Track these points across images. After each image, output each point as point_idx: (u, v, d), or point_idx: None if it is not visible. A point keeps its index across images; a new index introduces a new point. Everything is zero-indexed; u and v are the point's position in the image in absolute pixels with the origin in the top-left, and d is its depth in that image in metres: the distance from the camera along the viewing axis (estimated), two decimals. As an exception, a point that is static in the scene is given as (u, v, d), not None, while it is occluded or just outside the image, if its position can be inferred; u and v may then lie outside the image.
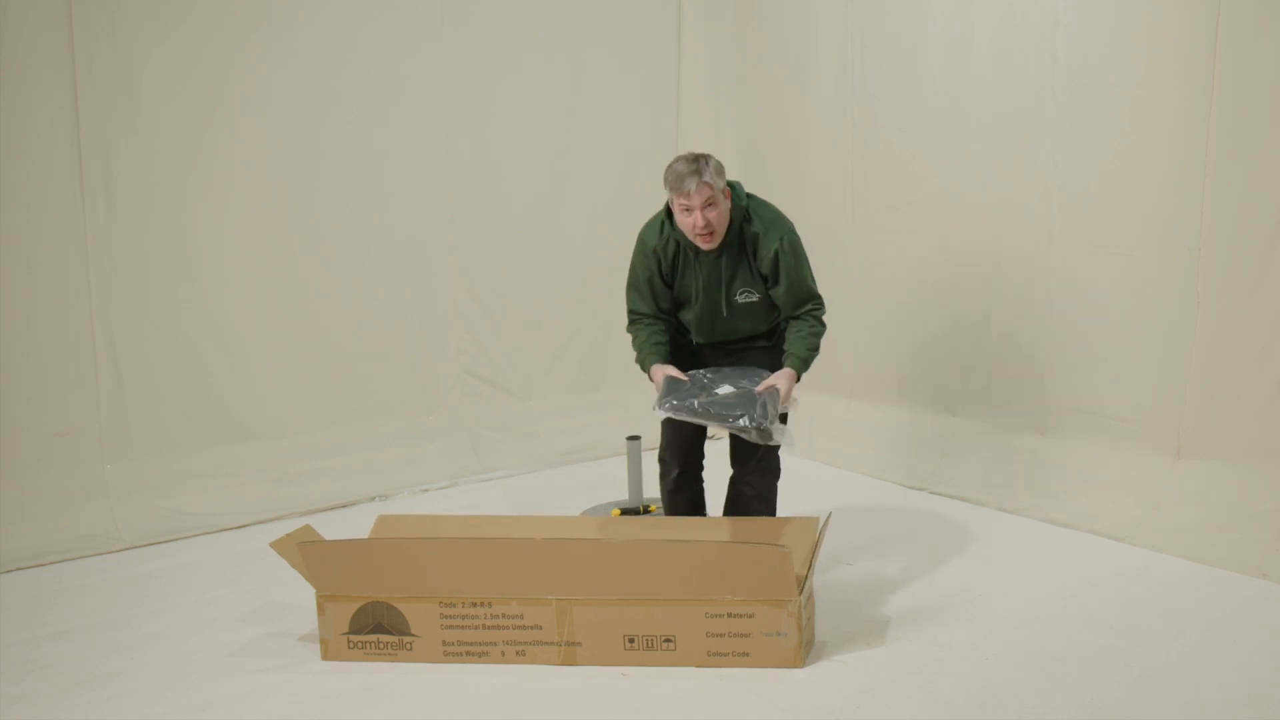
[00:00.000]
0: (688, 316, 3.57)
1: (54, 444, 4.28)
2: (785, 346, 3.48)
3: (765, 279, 3.48)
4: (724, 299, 3.49)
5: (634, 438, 4.30)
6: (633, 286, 3.60)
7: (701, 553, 3.01)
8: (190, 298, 4.56)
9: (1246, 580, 3.52)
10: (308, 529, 3.32)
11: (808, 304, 3.51)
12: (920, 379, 4.94)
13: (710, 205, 3.33)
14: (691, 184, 3.30)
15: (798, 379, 3.41)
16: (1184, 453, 3.98)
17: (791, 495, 4.61)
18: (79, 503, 4.27)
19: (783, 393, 3.35)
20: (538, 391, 5.43)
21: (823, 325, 3.53)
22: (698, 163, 3.34)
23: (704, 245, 3.40)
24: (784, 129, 5.49)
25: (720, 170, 3.39)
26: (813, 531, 3.23)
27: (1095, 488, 4.16)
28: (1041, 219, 4.34)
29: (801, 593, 2.98)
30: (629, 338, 3.62)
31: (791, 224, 3.57)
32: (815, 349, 3.48)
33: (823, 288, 5.34)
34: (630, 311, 3.61)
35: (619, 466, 4.58)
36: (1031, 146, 4.33)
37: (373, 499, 4.80)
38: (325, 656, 3.14)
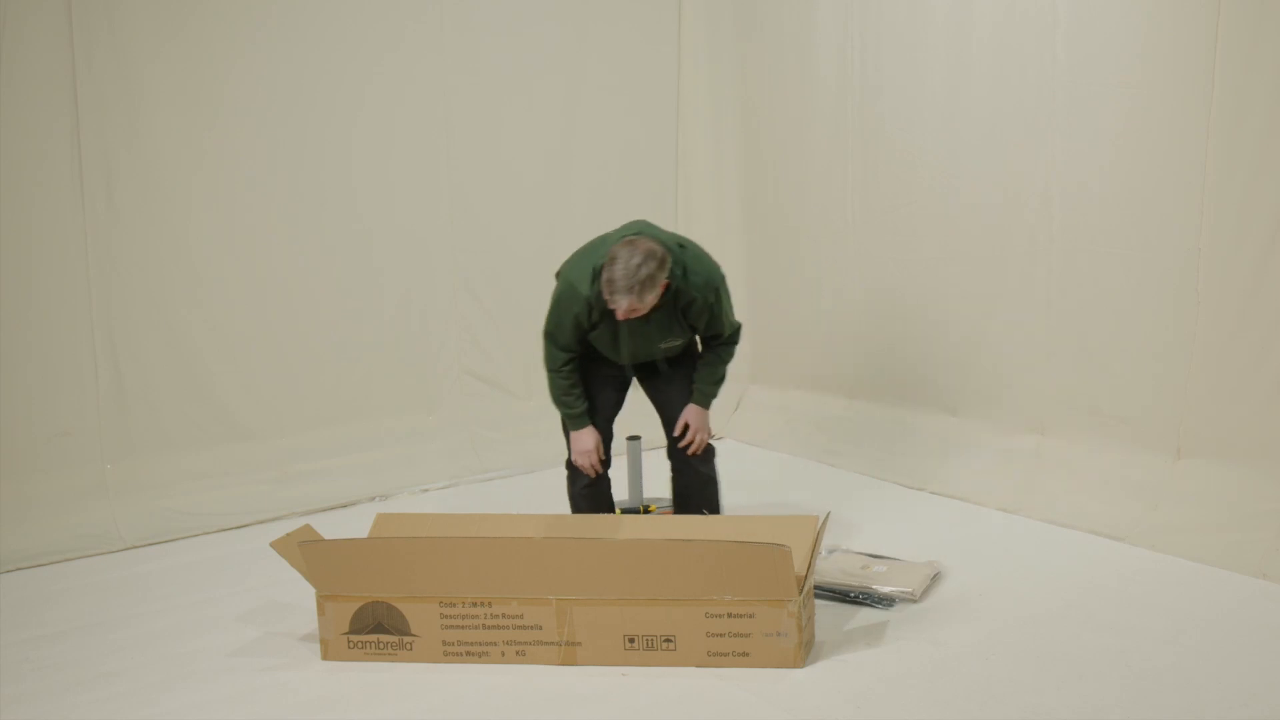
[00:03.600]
0: (605, 349, 3.64)
1: (54, 444, 4.28)
2: (695, 379, 3.70)
3: (693, 327, 3.62)
4: (651, 347, 3.61)
5: (634, 438, 4.29)
6: (561, 317, 3.57)
7: (701, 552, 3.01)
8: (190, 298, 4.56)
9: (1246, 580, 3.51)
10: (307, 529, 3.32)
11: (726, 334, 3.69)
12: (920, 379, 4.94)
13: (633, 313, 3.35)
14: (621, 303, 3.30)
15: (706, 409, 3.72)
16: (1184, 453, 3.98)
17: (792, 495, 4.62)
18: (79, 503, 4.27)
19: (695, 425, 3.68)
20: (538, 391, 5.39)
21: (732, 353, 3.74)
22: (639, 271, 3.25)
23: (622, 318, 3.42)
24: (784, 129, 5.49)
25: (655, 281, 3.30)
26: (812, 531, 3.23)
27: (1095, 488, 4.16)
28: (1041, 219, 4.34)
29: (801, 592, 2.98)
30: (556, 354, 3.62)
31: (721, 274, 3.68)
32: (721, 379, 3.74)
33: (823, 287, 5.39)
34: (552, 338, 3.60)
35: (618, 466, 4.56)
36: (1031, 146, 4.33)
37: (373, 499, 4.80)
38: (325, 656, 3.14)
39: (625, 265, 3.29)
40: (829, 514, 3.22)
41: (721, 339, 3.69)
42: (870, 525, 4.17)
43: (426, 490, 4.93)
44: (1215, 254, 3.82)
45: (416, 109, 5.04)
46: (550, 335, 3.63)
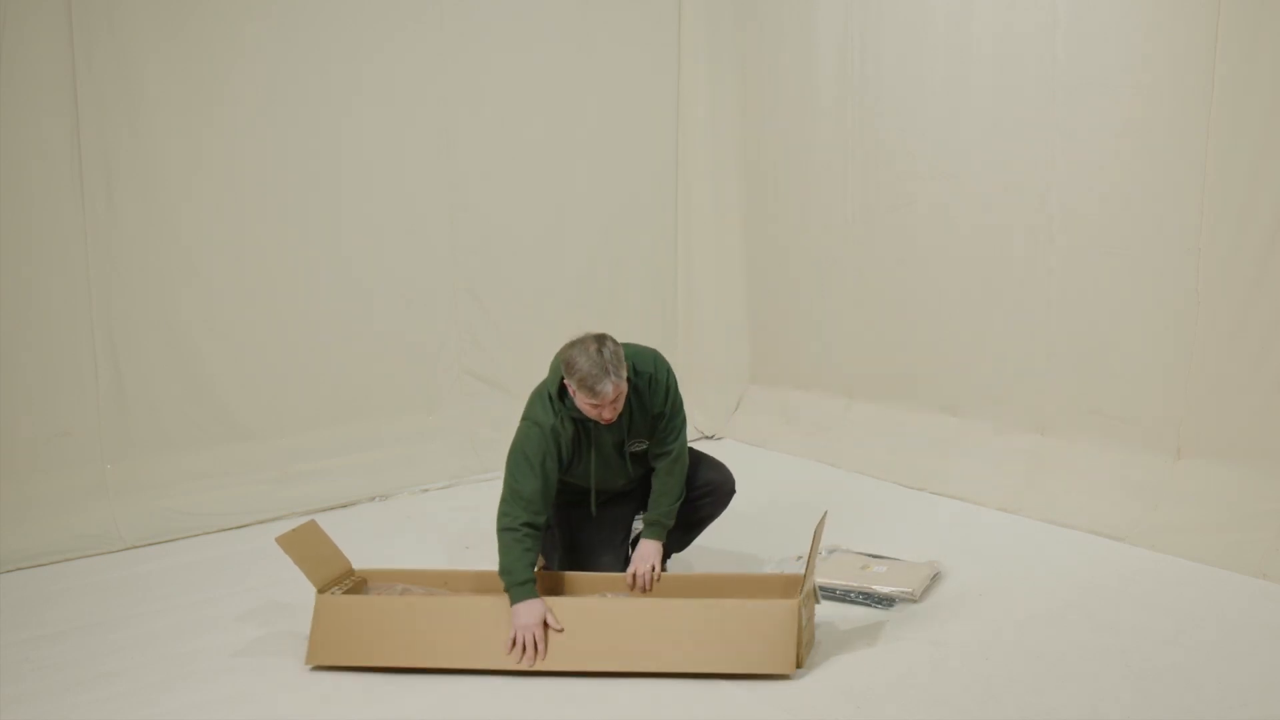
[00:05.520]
0: (584, 483, 3.43)
1: (54, 444, 4.28)
2: (649, 507, 3.43)
3: (655, 418, 3.41)
4: (621, 456, 3.42)
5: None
6: (524, 463, 3.20)
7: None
8: (190, 298, 4.56)
9: (1246, 580, 3.51)
10: (313, 524, 3.33)
11: (675, 449, 3.44)
12: (920, 379, 4.95)
13: (617, 400, 3.19)
14: (607, 388, 3.11)
15: (662, 541, 3.40)
16: (1184, 453, 3.98)
17: (792, 495, 4.61)
18: (79, 503, 4.27)
19: (649, 563, 3.32)
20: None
21: (686, 453, 3.47)
22: (602, 356, 3.11)
23: (606, 423, 3.26)
24: (784, 129, 5.49)
25: (621, 357, 3.17)
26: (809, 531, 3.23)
27: (1095, 488, 4.16)
28: (1041, 219, 4.34)
29: (801, 593, 2.98)
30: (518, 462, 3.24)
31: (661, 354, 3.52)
32: (677, 501, 3.44)
33: (823, 287, 5.40)
34: (514, 494, 3.18)
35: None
36: (1032, 146, 4.34)
37: (373, 499, 4.80)
38: (325, 656, 3.14)
39: (590, 356, 3.13)
40: (825, 513, 3.22)
41: (672, 454, 3.44)
42: (870, 525, 4.16)
43: (426, 490, 4.93)
44: (1215, 254, 3.82)
45: (417, 109, 5.04)
46: (514, 495, 3.19)
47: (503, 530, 3.16)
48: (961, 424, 4.75)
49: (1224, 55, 3.71)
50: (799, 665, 2.97)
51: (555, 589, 3.32)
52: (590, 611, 3.07)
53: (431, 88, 5.07)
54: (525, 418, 3.33)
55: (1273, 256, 3.66)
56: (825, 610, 3.32)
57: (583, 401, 3.18)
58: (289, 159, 4.74)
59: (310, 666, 3.09)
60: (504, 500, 3.21)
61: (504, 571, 3.11)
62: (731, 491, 3.60)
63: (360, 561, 3.49)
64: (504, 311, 5.37)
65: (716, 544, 3.88)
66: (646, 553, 3.36)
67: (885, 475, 4.82)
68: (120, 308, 4.39)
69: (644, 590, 3.32)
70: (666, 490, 3.43)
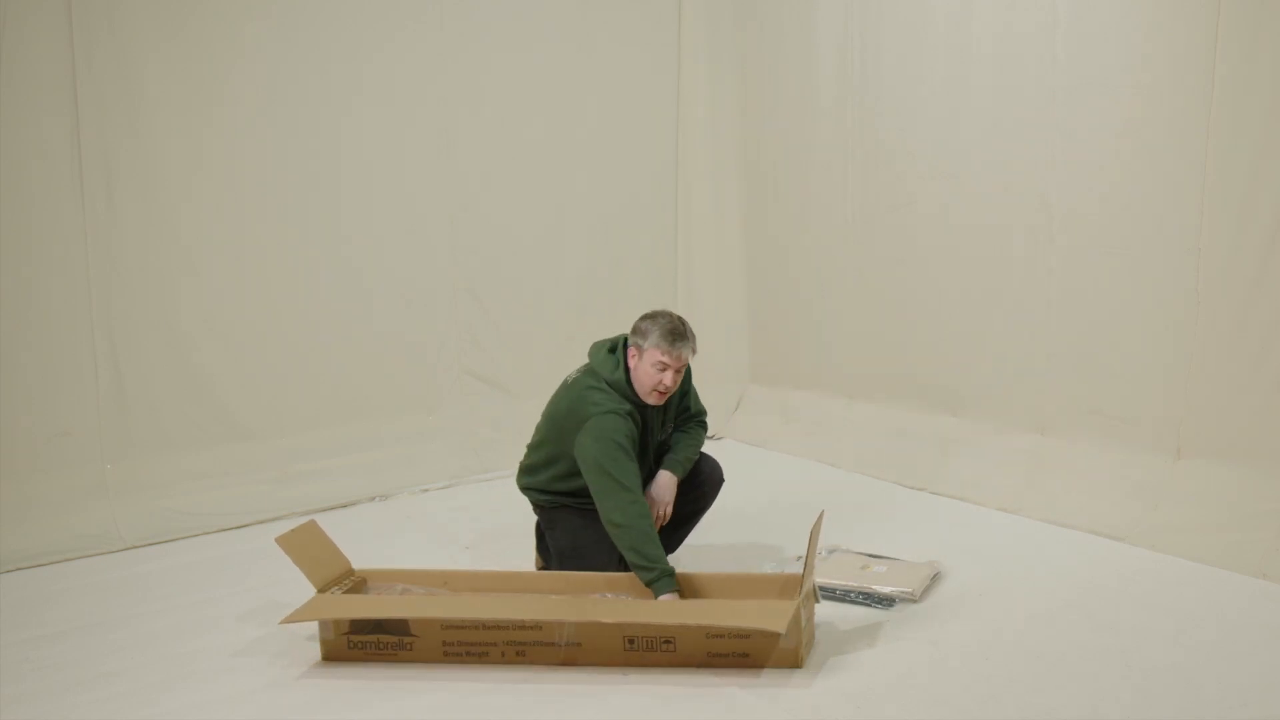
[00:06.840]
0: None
1: (54, 444, 4.28)
2: (671, 451, 3.56)
3: (680, 396, 3.58)
4: (656, 444, 3.55)
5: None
6: (620, 451, 3.26)
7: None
8: (190, 297, 4.56)
9: (1246, 580, 3.51)
10: (312, 524, 3.32)
11: (701, 414, 3.68)
12: (920, 379, 4.95)
13: (680, 371, 3.37)
14: (685, 349, 3.34)
15: (678, 478, 3.54)
16: (1184, 453, 3.98)
17: (792, 495, 4.61)
18: (79, 503, 4.27)
19: (668, 497, 3.47)
20: (538, 391, 5.41)
21: (704, 437, 3.67)
22: (686, 327, 3.37)
23: (657, 402, 3.40)
24: (784, 129, 5.50)
25: (694, 334, 3.43)
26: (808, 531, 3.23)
27: (1095, 488, 4.16)
28: (1041, 219, 4.34)
29: (801, 593, 2.98)
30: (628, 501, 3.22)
31: None
32: (698, 450, 3.63)
33: (823, 287, 5.40)
34: (625, 486, 3.23)
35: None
36: (1031, 146, 4.34)
37: (373, 499, 4.80)
38: (325, 657, 3.14)
39: (671, 319, 3.36)
40: (823, 513, 3.22)
41: (695, 418, 3.66)
42: (870, 525, 4.16)
43: (426, 490, 4.93)
44: (1215, 254, 3.82)
45: (417, 109, 5.05)
46: (626, 486, 3.23)
47: (638, 520, 3.20)
48: (961, 424, 4.75)
49: (1224, 55, 3.71)
50: (799, 665, 2.97)
51: (556, 589, 3.32)
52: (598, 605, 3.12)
53: (431, 88, 5.07)
54: (600, 411, 3.33)
55: (1273, 256, 3.66)
56: (825, 610, 3.32)
57: (652, 360, 3.32)
58: (289, 159, 4.74)
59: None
60: (615, 493, 3.23)
61: (653, 561, 3.16)
62: (721, 480, 3.69)
63: (360, 561, 3.50)
64: (504, 311, 5.37)
65: (716, 544, 3.88)
66: (661, 490, 3.47)
67: (885, 475, 4.83)
68: (120, 308, 4.40)
69: (659, 524, 3.42)
70: (690, 443, 3.59)
